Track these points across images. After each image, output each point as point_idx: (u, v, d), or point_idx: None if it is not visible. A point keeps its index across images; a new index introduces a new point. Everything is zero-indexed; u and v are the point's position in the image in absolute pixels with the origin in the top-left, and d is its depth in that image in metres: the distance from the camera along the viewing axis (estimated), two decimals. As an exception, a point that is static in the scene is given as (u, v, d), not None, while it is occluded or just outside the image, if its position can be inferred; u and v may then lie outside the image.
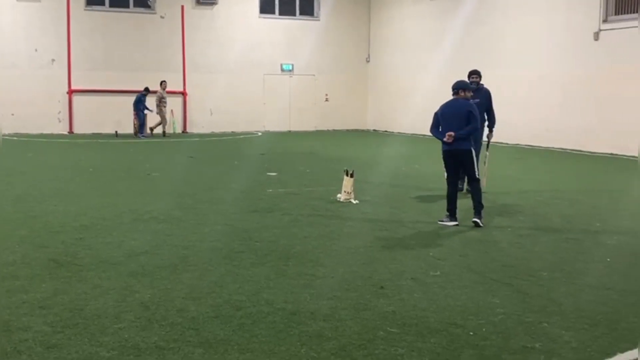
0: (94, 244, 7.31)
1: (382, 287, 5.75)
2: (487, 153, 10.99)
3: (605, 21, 18.29)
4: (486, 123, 10.83)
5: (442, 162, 8.68)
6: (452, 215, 8.50)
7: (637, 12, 17.71)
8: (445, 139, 8.32)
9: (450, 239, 7.78)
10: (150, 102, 23.36)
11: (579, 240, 7.75)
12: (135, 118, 23.51)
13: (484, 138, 10.93)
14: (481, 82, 10.75)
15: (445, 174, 8.75)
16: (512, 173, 13.76)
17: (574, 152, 18.65)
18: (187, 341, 4.51)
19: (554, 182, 12.72)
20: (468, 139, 8.41)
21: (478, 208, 8.40)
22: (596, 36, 18.39)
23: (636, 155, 17.08)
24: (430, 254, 6.99)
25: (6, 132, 23.40)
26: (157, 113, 23.57)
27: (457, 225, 8.39)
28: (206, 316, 4.99)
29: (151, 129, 23.75)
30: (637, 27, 17.34)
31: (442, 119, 8.49)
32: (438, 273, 6.23)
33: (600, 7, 18.32)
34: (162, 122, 23.79)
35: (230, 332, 4.67)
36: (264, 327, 4.77)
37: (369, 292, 5.64)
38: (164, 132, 23.83)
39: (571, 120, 19.04)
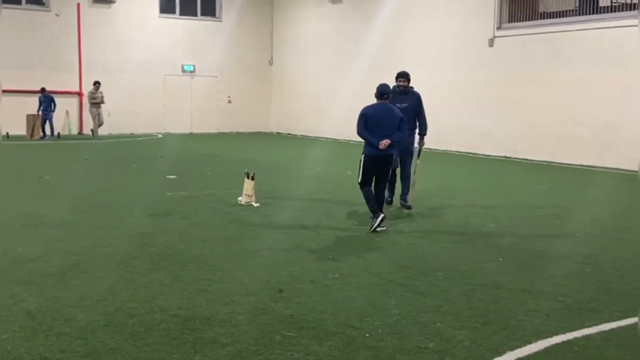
0: (-22, 251, 6.92)
1: (280, 291, 5.70)
2: (418, 162, 10.25)
3: (499, 28, 18.98)
4: (416, 130, 10.06)
5: (357, 165, 8.41)
6: (376, 212, 8.26)
7: (527, 20, 18.48)
8: (381, 147, 8.10)
9: (349, 241, 7.82)
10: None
11: (473, 241, 7.96)
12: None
13: (415, 145, 10.15)
14: (410, 85, 9.83)
15: (360, 178, 8.37)
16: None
17: (469, 154, 19.23)
18: (75, 351, 4.31)
19: (450, 184, 13.05)
20: (395, 145, 8.43)
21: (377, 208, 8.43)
22: (491, 42, 19.06)
23: (525, 158, 17.80)
24: (330, 256, 7.00)
25: None
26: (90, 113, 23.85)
27: (384, 216, 8.25)
28: (96, 325, 4.79)
29: (92, 131, 24.02)
30: (530, 34, 18.08)
31: (373, 124, 8.21)
32: (337, 275, 6.24)
33: (495, 15, 19.01)
34: (93, 122, 23.81)
35: (121, 341, 4.49)
36: (157, 335, 4.62)
37: (267, 296, 5.58)
38: (92, 131, 24.07)
39: (466, 124, 19.64)
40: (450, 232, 8.45)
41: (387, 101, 8.44)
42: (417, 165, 10.20)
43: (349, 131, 24.23)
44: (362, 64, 23.51)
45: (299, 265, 6.63)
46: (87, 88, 25.07)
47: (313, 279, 6.10)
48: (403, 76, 9.74)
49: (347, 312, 5.20)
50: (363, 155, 8.37)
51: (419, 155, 10.25)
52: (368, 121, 8.27)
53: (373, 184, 8.47)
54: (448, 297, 5.64)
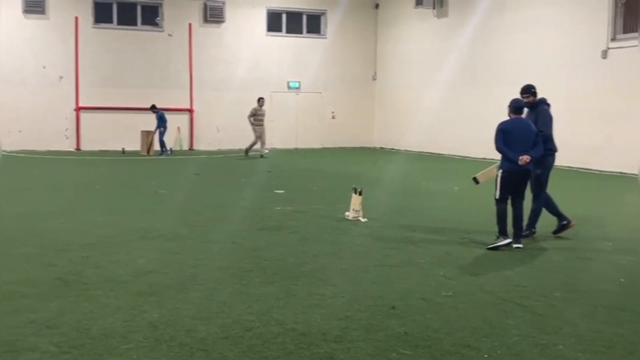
0: (101, 262, 7.24)
1: (393, 308, 5.66)
2: None
3: (613, 39, 18.26)
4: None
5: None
6: (504, 233, 8.11)
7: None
8: (521, 163, 7.98)
9: (460, 258, 7.67)
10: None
11: (591, 260, 7.65)
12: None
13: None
14: (541, 99, 9.08)
15: (498, 193, 8.18)
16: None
17: (582, 170, 18.54)
18: (196, 363, 4.43)
19: (563, 201, 12.54)
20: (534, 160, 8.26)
21: (519, 233, 8.24)
22: (604, 54, 18.36)
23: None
24: (441, 273, 6.90)
25: (13, 148, 23.44)
26: (254, 131, 22.45)
27: (510, 242, 8.07)
28: (215, 337, 4.90)
29: (246, 150, 22.73)
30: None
31: (509, 139, 8.11)
32: (450, 293, 6.14)
33: (608, 25, 18.31)
34: (255, 140, 22.48)
35: (240, 354, 4.58)
36: (275, 349, 4.68)
37: (380, 312, 5.55)
38: (246, 150, 22.66)
39: (579, 139, 18.93)
40: (567, 250, 8.15)
41: (522, 115, 8.32)
42: None
43: (453, 147, 24.04)
44: (467, 79, 23.21)
45: (410, 281, 6.57)
46: (198, 105, 26.00)
47: (425, 296, 6.03)
48: (526, 91, 8.91)
49: (462, 331, 5.10)
50: (500, 171, 8.21)
51: None
52: (506, 136, 8.14)
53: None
54: (568, 318, 5.43)
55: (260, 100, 22.68)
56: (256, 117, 22.41)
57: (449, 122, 23.84)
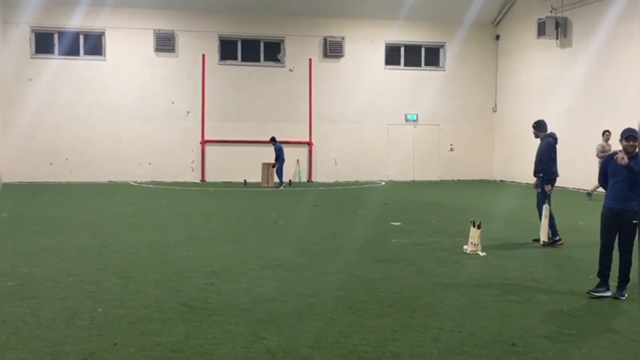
0: (223, 289, 7.49)
1: (513, 345, 5.52)
2: None
3: None
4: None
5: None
6: (603, 283, 7.42)
7: None
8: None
9: (585, 296, 7.36)
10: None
11: None
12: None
13: None
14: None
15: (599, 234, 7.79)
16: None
17: None
18: (313, 391, 4.49)
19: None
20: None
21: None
22: None
23: None
24: (565, 310, 6.66)
25: (144, 180, 24.77)
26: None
27: (608, 296, 7.33)
28: (332, 366, 4.96)
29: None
30: None
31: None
32: (574, 331, 5.91)
33: None
34: None
35: (356, 384, 4.61)
36: (390, 381, 4.67)
37: (499, 349, 5.42)
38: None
39: None
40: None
41: None
42: None
43: (577, 180, 23.11)
44: (592, 110, 22.36)
45: (531, 318, 6.38)
46: (317, 138, 26.49)
47: (547, 334, 5.83)
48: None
49: (587, 371, 4.90)
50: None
51: None
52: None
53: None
54: None
55: (606, 134, 18.96)
56: (603, 154, 18.35)
57: (574, 155, 23.02)
